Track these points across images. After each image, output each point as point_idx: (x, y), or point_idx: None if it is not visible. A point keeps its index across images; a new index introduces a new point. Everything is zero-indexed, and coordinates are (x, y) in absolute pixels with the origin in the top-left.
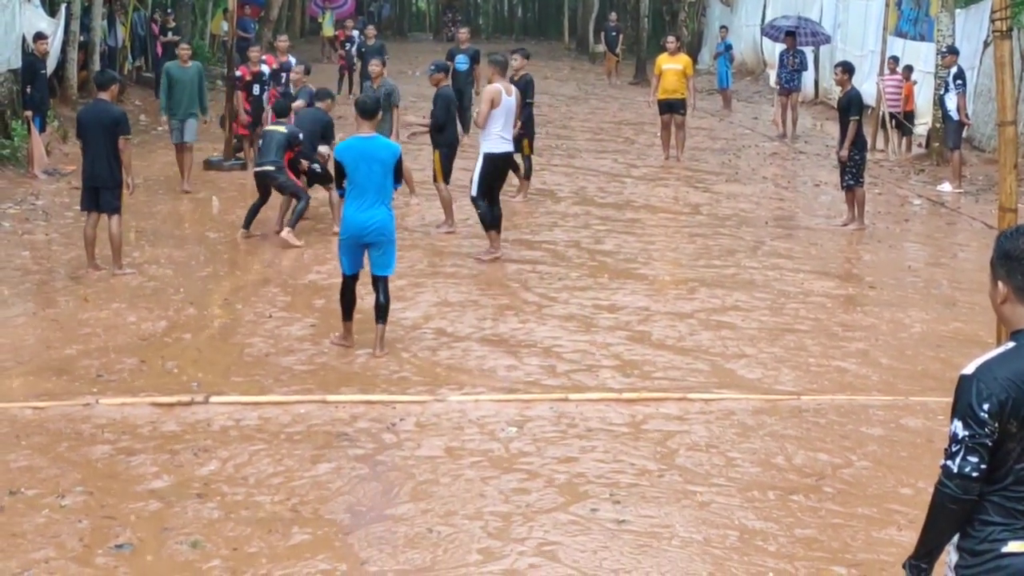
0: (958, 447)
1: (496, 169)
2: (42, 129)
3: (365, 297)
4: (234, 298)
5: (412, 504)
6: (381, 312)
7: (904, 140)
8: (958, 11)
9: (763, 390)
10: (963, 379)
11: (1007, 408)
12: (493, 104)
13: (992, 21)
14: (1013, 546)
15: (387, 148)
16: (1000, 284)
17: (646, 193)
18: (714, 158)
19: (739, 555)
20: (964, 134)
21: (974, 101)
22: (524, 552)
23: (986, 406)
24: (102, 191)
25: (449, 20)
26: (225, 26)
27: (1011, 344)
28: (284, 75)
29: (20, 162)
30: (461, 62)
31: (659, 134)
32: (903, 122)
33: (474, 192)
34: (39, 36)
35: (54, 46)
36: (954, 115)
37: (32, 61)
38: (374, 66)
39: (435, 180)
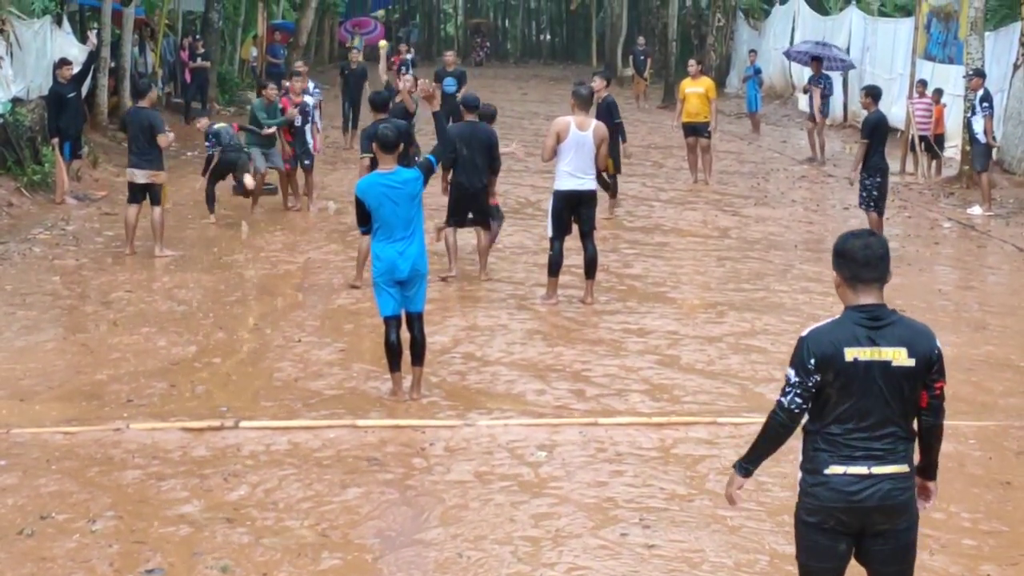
0: (790, 389)
1: (564, 207)
2: (73, 155)
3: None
4: (263, 323)
5: (442, 529)
6: (417, 352)
7: (934, 163)
8: (987, 34)
9: None
10: (799, 340)
11: (825, 362)
12: (558, 139)
13: (1021, 44)
14: (832, 469)
15: (410, 180)
16: (836, 273)
17: (675, 216)
18: (743, 181)
19: None
20: (993, 157)
21: (1004, 124)
22: None
23: (812, 360)
24: (151, 186)
25: (477, 44)
26: (255, 51)
27: (838, 316)
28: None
29: (50, 188)
30: (449, 84)
31: (686, 157)
32: (932, 145)
33: (548, 232)
34: (63, 62)
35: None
36: (981, 138)
37: (57, 88)
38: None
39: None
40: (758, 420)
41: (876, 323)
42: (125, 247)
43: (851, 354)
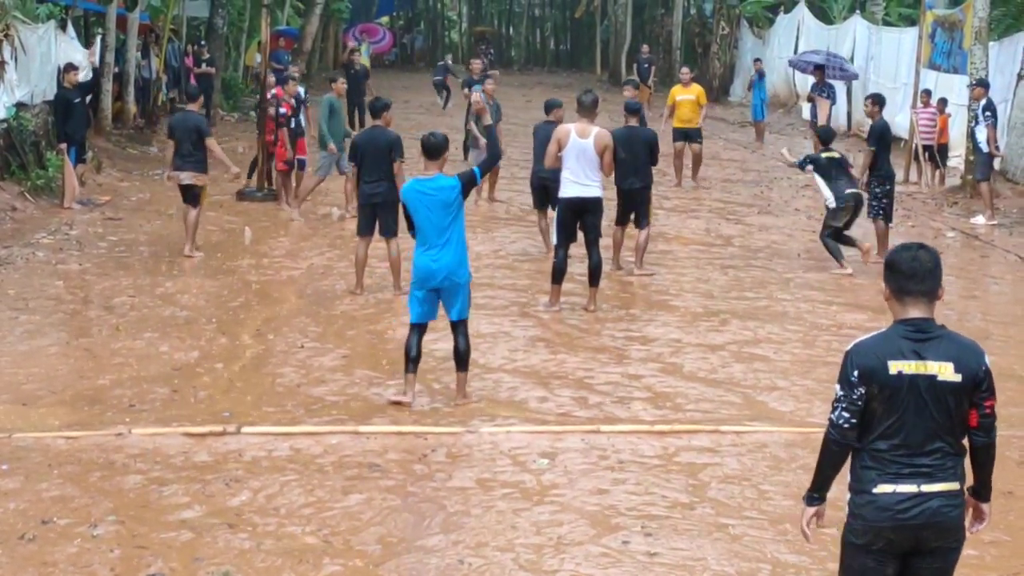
0: (837, 404)
1: (568, 214)
2: (79, 159)
3: (391, 331)
4: (266, 328)
5: (443, 535)
6: (460, 359)
7: (937, 173)
8: (991, 44)
9: (796, 423)
10: (845, 353)
11: (868, 374)
12: (559, 146)
13: None
14: (880, 487)
15: (445, 188)
16: (884, 285)
17: (678, 225)
18: (746, 190)
19: None
20: (997, 166)
21: (1008, 134)
22: None
23: (856, 372)
24: (192, 187)
25: (482, 51)
26: (259, 58)
27: (884, 329)
28: (298, 107)
29: (54, 192)
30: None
31: (672, 161)
32: (936, 155)
33: (552, 239)
34: (70, 67)
35: (89, 78)
36: (984, 147)
37: (64, 93)
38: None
39: None
40: (760, 429)
41: (922, 336)
42: (185, 246)
43: (895, 367)
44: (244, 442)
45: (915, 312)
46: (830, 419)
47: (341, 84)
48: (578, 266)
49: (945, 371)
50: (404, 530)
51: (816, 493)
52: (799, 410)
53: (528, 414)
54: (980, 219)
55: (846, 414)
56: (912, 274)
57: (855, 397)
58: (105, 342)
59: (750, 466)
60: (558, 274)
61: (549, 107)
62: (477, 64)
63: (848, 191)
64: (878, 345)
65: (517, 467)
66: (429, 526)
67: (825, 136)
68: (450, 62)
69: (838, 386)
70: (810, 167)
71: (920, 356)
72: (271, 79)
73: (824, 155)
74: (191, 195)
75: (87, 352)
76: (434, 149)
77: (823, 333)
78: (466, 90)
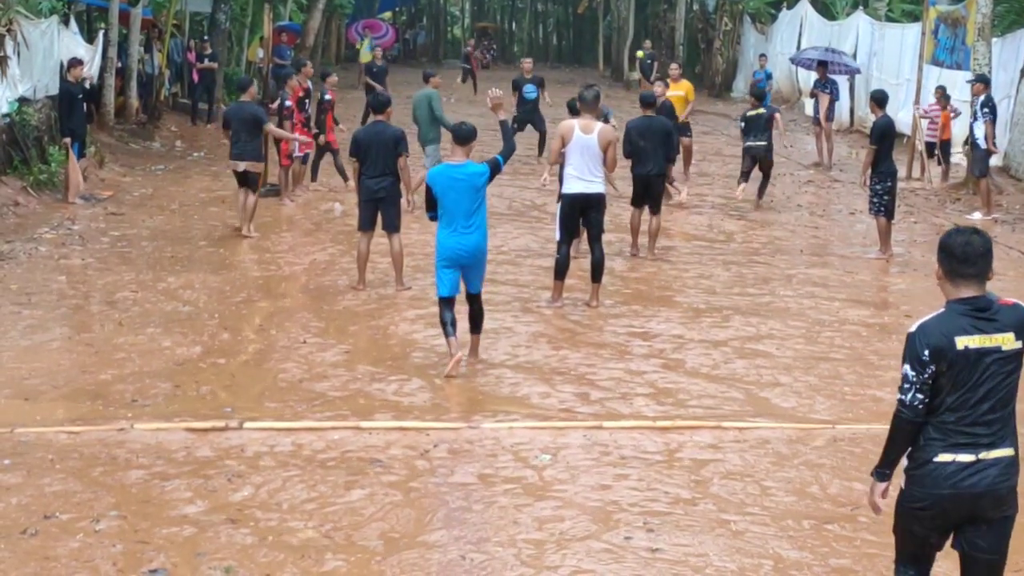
0: (909, 386)
1: (571, 210)
2: (80, 155)
3: (395, 321)
4: (268, 324)
5: (445, 531)
6: (475, 323)
7: (941, 169)
8: (994, 40)
9: (798, 419)
10: (909, 335)
11: (938, 352)
12: (563, 142)
13: None
14: (941, 457)
15: (475, 174)
16: (937, 266)
17: (681, 221)
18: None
19: None
20: (1000, 163)
21: (1011, 130)
22: None
23: (926, 351)
24: (249, 173)
25: (484, 47)
26: (261, 53)
27: (942, 310)
28: (307, 101)
29: (57, 187)
30: (529, 91)
31: None
32: (938, 151)
33: (555, 235)
34: (75, 62)
35: (93, 72)
36: (981, 143)
37: (68, 88)
38: None
39: None
40: (763, 425)
41: (982, 313)
42: (242, 227)
43: (962, 342)
44: (246, 437)
45: (967, 292)
46: (901, 400)
47: (439, 79)
48: (581, 261)
49: (1008, 341)
50: (406, 525)
51: (887, 469)
52: (801, 406)
53: (530, 410)
54: (977, 215)
55: (920, 395)
56: (965, 258)
57: (926, 376)
58: (107, 337)
59: (752, 462)
60: (561, 270)
61: (649, 102)
62: (527, 63)
63: (747, 144)
64: (941, 323)
65: (519, 463)
66: (431, 522)
67: (756, 94)
68: (472, 49)
69: (907, 367)
70: (741, 124)
71: (983, 331)
72: (293, 81)
73: (750, 112)
74: (249, 181)
75: (89, 347)
76: (464, 136)
77: (825, 329)
78: (491, 90)
